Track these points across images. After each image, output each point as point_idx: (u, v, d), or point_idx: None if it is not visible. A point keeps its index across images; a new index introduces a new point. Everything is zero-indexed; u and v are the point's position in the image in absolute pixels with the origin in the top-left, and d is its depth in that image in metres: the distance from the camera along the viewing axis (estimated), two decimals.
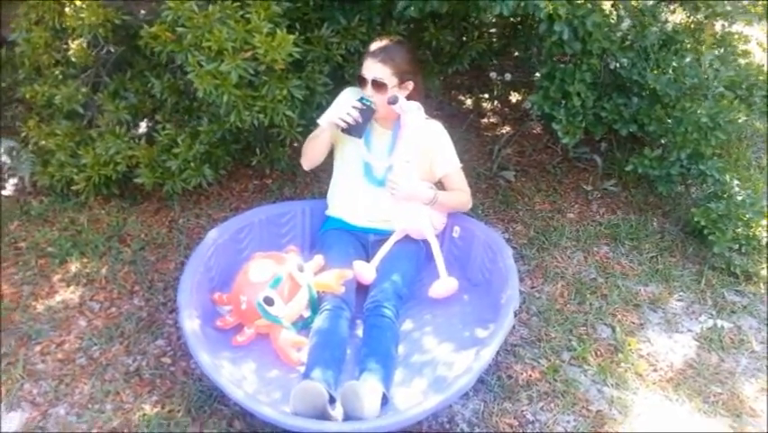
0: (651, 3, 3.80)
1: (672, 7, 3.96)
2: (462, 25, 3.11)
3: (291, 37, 2.39)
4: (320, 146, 2.44)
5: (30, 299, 2.40)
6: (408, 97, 2.34)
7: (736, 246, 2.72)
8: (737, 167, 3.42)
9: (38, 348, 2.20)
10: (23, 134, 2.92)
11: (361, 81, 2.34)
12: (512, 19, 3.29)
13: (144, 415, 1.97)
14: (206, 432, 1.94)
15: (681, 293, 2.59)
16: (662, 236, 2.92)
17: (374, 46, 2.35)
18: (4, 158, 2.87)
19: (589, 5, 2.42)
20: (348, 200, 2.49)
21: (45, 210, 2.85)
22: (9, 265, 2.55)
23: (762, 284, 2.65)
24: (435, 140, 2.44)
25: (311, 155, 2.48)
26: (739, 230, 2.71)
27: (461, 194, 2.48)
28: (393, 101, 2.30)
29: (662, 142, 2.99)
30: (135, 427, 1.94)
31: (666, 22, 3.22)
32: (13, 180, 2.87)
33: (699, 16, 3.93)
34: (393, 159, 2.39)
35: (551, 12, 2.18)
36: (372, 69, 2.29)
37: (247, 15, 2.43)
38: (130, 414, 1.98)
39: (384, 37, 2.42)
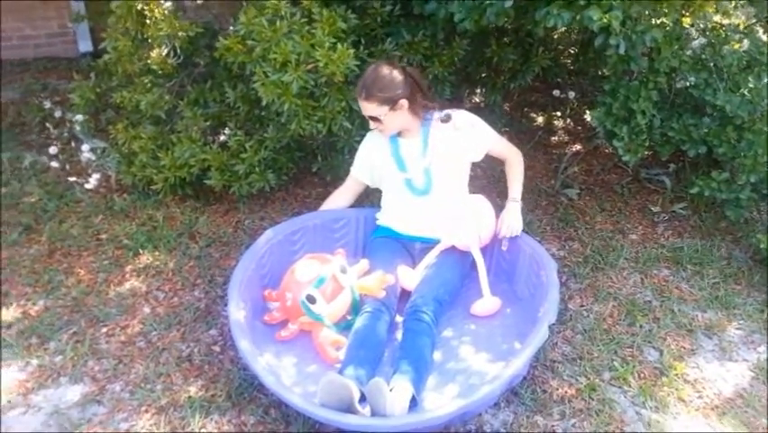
0: (737, 23, 3.68)
1: None
2: (528, 41, 3.12)
3: (351, 51, 2.51)
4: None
5: (103, 286, 2.62)
6: (416, 107, 2.45)
7: None
8: None
9: (104, 330, 2.40)
10: (112, 136, 3.20)
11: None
12: (579, 35, 3.28)
13: (189, 397, 2.11)
14: (244, 417, 2.05)
15: (740, 321, 2.47)
16: (729, 263, 2.79)
17: (359, 84, 2.40)
18: (90, 155, 3.14)
19: (650, 18, 2.37)
20: (396, 212, 2.57)
21: (127, 207, 3.10)
22: (89, 254, 2.80)
23: None
24: (464, 125, 2.50)
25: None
26: None
27: (513, 162, 2.61)
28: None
29: (734, 165, 2.87)
30: (180, 406, 2.08)
31: (745, 40, 3.08)
32: (96, 176, 3.13)
33: None
34: (427, 160, 2.47)
35: (604, 25, 2.16)
36: (363, 107, 2.40)
37: (312, 31, 2.57)
38: (177, 395, 2.12)
39: (371, 65, 2.47)
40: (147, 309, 2.52)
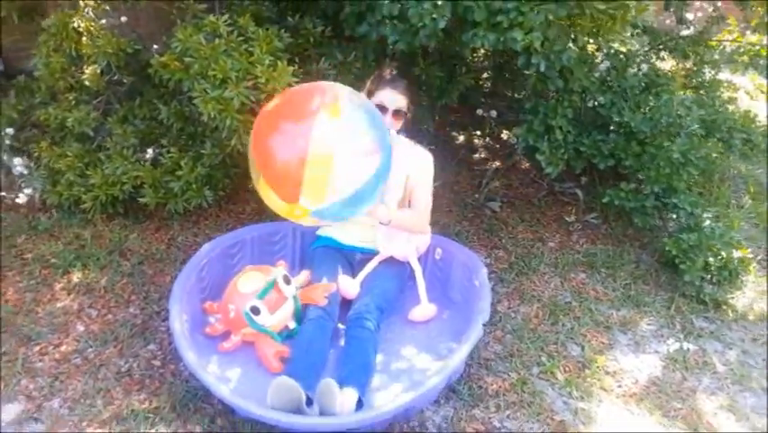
0: (635, 48, 4.04)
1: (661, 54, 4.19)
2: (452, 62, 3.32)
3: (291, 68, 2.59)
4: None
5: (32, 305, 2.55)
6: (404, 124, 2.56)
7: (708, 276, 2.84)
8: (717, 205, 3.58)
9: (37, 348, 2.34)
10: (36, 155, 3.11)
11: (379, 110, 2.41)
12: (498, 59, 3.51)
13: (132, 410, 2.09)
14: (190, 427, 2.06)
15: (651, 318, 2.71)
16: (638, 266, 3.05)
17: (389, 77, 2.52)
18: (22, 169, 3.05)
19: (564, 40, 2.60)
20: (340, 223, 2.64)
21: (52, 226, 3.02)
22: (15, 274, 2.71)
23: (730, 312, 2.76)
24: (420, 168, 2.60)
25: None
26: (711, 260, 2.83)
27: (415, 216, 2.58)
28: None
29: (639, 176, 3.15)
30: (123, 419, 2.06)
31: (644, 65, 3.40)
32: (27, 190, 3.04)
33: (689, 64, 4.17)
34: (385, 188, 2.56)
35: (527, 45, 2.36)
36: (394, 99, 2.46)
37: (250, 49, 2.64)
38: (119, 409, 2.10)
39: (383, 68, 2.60)
40: (81, 327, 2.47)
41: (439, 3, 2.34)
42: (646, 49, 4.08)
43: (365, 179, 2.16)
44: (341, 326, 2.40)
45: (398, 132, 2.56)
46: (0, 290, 2.59)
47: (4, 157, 3.12)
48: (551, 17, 2.34)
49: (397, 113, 2.48)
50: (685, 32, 4.29)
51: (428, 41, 2.48)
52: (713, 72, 4.11)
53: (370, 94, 2.50)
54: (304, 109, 2.17)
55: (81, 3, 2.83)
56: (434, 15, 2.33)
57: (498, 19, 2.33)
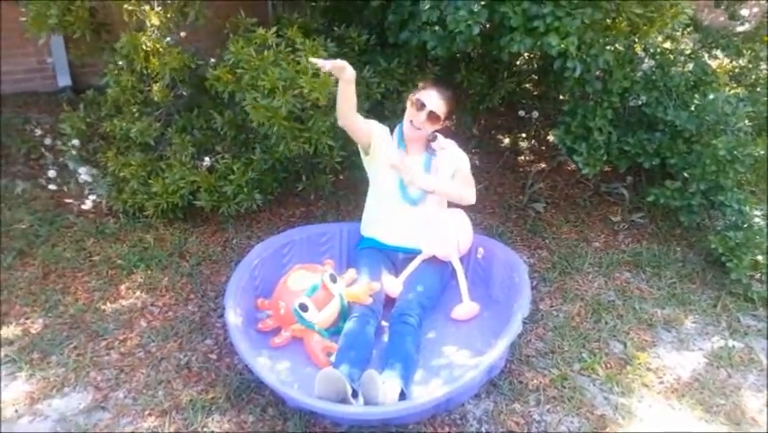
0: (682, 47, 4.01)
1: (714, 52, 4.14)
2: (494, 67, 3.38)
3: (332, 78, 2.71)
4: (344, 101, 2.49)
5: (99, 303, 2.74)
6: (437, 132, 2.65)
7: (757, 274, 2.81)
8: None
9: (104, 343, 2.52)
10: (102, 164, 3.34)
11: (418, 106, 2.55)
12: (537, 62, 3.55)
13: (190, 400, 2.24)
14: (243, 416, 2.19)
15: (696, 316, 2.70)
16: (684, 264, 3.03)
17: (441, 84, 2.63)
18: (87, 177, 3.28)
19: (601, 41, 2.63)
20: (382, 221, 2.74)
21: (117, 230, 3.23)
22: (84, 275, 2.92)
23: None
24: (460, 164, 2.69)
25: (340, 111, 2.55)
26: (760, 258, 2.80)
27: (462, 187, 2.65)
28: (433, 139, 2.63)
29: (686, 175, 3.13)
30: (182, 409, 2.20)
31: (690, 63, 3.38)
32: (92, 197, 3.26)
33: (742, 61, 4.10)
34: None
35: (562, 50, 2.41)
36: (435, 101, 2.55)
37: (297, 59, 2.78)
38: (178, 399, 2.25)
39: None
40: (144, 323, 2.64)
41: (475, 9, 2.42)
42: (698, 47, 4.03)
43: None
44: (385, 323, 2.50)
45: (434, 135, 2.65)
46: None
47: (71, 166, 3.35)
48: (587, 21, 2.38)
49: (432, 115, 2.55)
50: (740, 29, 4.22)
51: (465, 47, 2.56)
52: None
53: (418, 90, 2.60)
54: None
55: (147, 23, 3.04)
56: (470, 22, 2.40)
57: (534, 24, 2.39)
